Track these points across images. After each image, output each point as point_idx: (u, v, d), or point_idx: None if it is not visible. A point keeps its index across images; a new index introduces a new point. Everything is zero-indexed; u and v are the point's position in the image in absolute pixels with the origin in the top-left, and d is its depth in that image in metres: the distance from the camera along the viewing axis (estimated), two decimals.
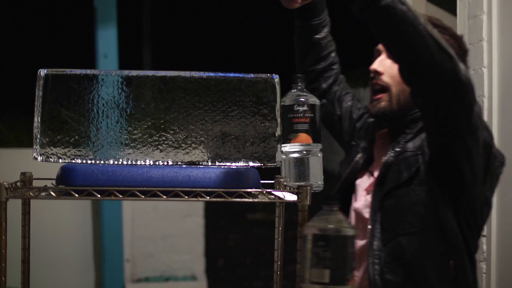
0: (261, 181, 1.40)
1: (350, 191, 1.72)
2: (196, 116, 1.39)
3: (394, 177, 1.59)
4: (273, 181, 1.51)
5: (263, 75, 1.41)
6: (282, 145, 1.41)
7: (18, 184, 1.41)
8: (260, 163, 1.41)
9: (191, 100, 1.39)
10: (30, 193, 1.27)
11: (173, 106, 1.38)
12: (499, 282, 2.37)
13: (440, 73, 1.39)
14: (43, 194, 1.27)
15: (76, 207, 4.22)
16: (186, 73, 1.39)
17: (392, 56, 1.50)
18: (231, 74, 1.39)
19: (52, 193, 1.28)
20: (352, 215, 1.68)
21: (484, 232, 2.41)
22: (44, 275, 4.09)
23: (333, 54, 1.85)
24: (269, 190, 1.34)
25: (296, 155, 1.45)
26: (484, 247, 2.41)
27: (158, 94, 1.38)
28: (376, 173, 1.65)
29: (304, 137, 1.42)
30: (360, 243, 1.63)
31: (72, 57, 6.33)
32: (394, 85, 1.62)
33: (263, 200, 1.31)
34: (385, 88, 1.63)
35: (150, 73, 1.39)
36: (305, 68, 1.84)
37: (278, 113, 1.40)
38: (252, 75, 1.41)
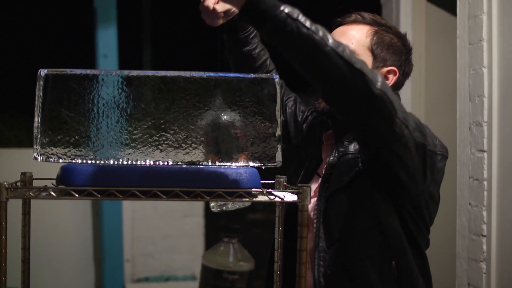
0: (261, 181, 1.40)
1: None
2: (196, 116, 1.39)
3: (336, 180, 1.61)
4: (273, 181, 1.51)
5: (263, 75, 1.41)
6: None
7: (18, 184, 1.41)
8: (260, 163, 1.41)
9: (191, 100, 1.39)
10: (30, 193, 1.27)
11: (173, 106, 1.38)
12: (499, 282, 2.37)
13: (352, 92, 1.40)
14: (43, 194, 1.27)
15: (76, 207, 4.22)
16: (186, 73, 1.39)
17: (306, 79, 1.51)
18: (231, 74, 1.39)
19: (52, 193, 1.28)
20: None
21: (484, 232, 2.41)
22: (44, 275, 4.09)
23: (267, 62, 1.86)
24: (269, 190, 1.34)
25: None
26: (484, 247, 2.41)
27: (158, 94, 1.38)
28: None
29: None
30: (310, 244, 1.64)
31: (72, 57, 6.33)
32: None
33: (263, 200, 1.31)
34: None
35: (150, 73, 1.39)
36: None
37: (278, 113, 1.40)
38: (252, 75, 1.41)
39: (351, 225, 1.57)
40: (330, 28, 1.75)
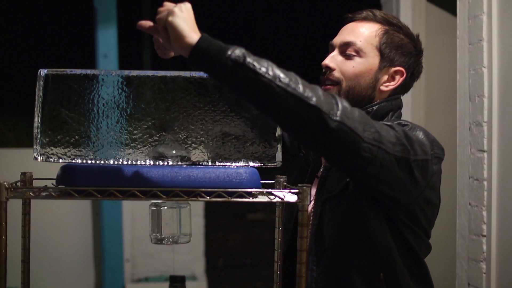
0: (261, 181, 1.40)
1: None
2: (196, 116, 1.39)
3: (329, 186, 1.60)
4: (273, 181, 1.51)
5: None
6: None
7: (18, 184, 1.41)
8: (260, 163, 1.41)
9: (191, 100, 1.39)
10: (30, 193, 1.27)
11: (173, 106, 1.39)
12: (499, 282, 2.37)
13: (308, 129, 1.36)
14: (43, 194, 1.27)
15: (76, 207, 4.22)
16: (186, 73, 1.39)
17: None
18: None
19: (52, 193, 1.28)
20: None
21: (484, 232, 2.41)
22: (44, 275, 4.09)
23: None
24: (269, 190, 1.34)
25: (155, 207, 1.47)
26: (484, 247, 2.41)
27: (158, 94, 1.38)
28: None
29: None
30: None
31: (72, 57, 6.33)
32: (345, 80, 1.63)
33: (263, 200, 1.31)
34: (335, 83, 1.64)
35: (150, 73, 1.39)
36: None
37: None
38: None
39: (340, 234, 1.57)
40: (340, 24, 1.74)
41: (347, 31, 1.67)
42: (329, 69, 1.65)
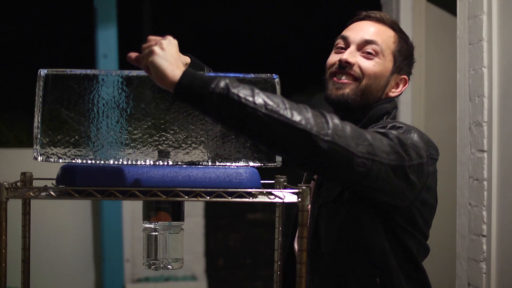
0: (261, 181, 1.40)
1: None
2: (196, 116, 1.39)
3: (326, 191, 1.61)
4: (273, 181, 1.51)
5: (263, 75, 1.41)
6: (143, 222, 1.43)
7: (18, 184, 1.41)
8: (260, 163, 1.41)
9: None
10: (30, 193, 1.27)
11: (173, 106, 1.39)
12: (499, 282, 2.37)
13: (300, 153, 1.34)
14: (43, 194, 1.27)
15: (76, 207, 4.22)
16: None
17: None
18: (231, 74, 1.39)
19: (52, 193, 1.28)
20: None
21: (484, 232, 2.41)
22: (44, 275, 4.09)
23: None
24: (269, 190, 1.34)
25: (148, 232, 1.49)
26: (484, 247, 2.41)
27: (158, 94, 1.38)
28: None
29: (162, 215, 1.44)
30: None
31: (72, 57, 6.33)
32: (365, 77, 1.62)
33: (263, 200, 1.31)
34: (356, 78, 1.63)
35: None
36: None
37: None
38: (252, 75, 1.41)
39: (337, 239, 1.57)
40: (342, 22, 1.72)
41: (366, 30, 1.66)
42: (349, 65, 1.63)
